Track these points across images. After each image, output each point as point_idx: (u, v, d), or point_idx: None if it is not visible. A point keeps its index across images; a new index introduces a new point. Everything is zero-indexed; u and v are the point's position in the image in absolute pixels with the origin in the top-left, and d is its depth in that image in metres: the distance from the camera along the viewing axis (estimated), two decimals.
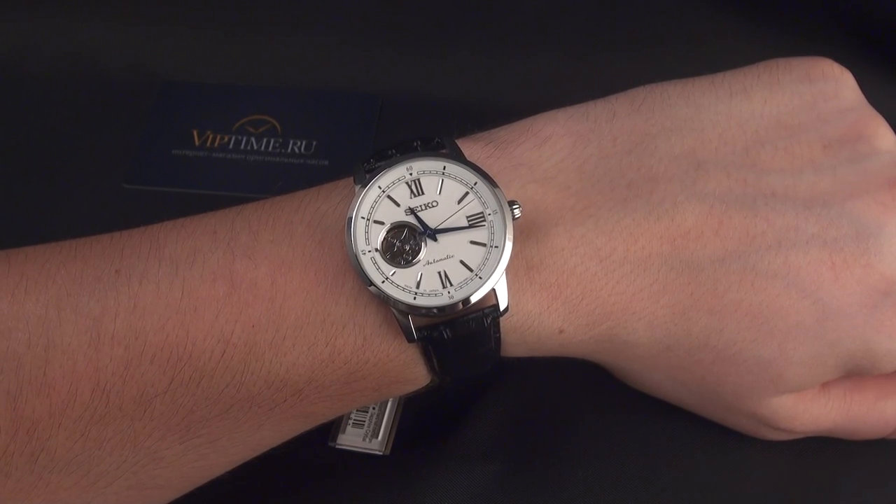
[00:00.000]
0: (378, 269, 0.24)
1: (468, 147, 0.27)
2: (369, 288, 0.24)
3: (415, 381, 0.27)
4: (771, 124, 0.28)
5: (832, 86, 0.29)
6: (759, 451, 0.32)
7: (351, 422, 0.33)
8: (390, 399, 0.33)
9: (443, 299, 0.24)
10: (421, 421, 0.33)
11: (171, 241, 0.25)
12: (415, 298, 0.24)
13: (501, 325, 0.25)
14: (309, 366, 0.25)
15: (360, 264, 0.24)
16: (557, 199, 0.26)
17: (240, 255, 0.25)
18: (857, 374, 0.28)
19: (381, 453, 0.32)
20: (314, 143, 0.43)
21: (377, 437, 0.32)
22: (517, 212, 0.25)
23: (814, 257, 0.26)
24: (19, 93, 0.44)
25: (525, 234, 0.26)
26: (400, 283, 0.24)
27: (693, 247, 0.26)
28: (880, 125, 0.29)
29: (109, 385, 0.24)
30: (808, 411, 0.29)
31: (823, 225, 0.26)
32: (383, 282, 0.24)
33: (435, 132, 0.27)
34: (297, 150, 0.42)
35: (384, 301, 0.24)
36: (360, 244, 0.24)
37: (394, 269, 0.24)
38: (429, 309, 0.24)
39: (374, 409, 0.33)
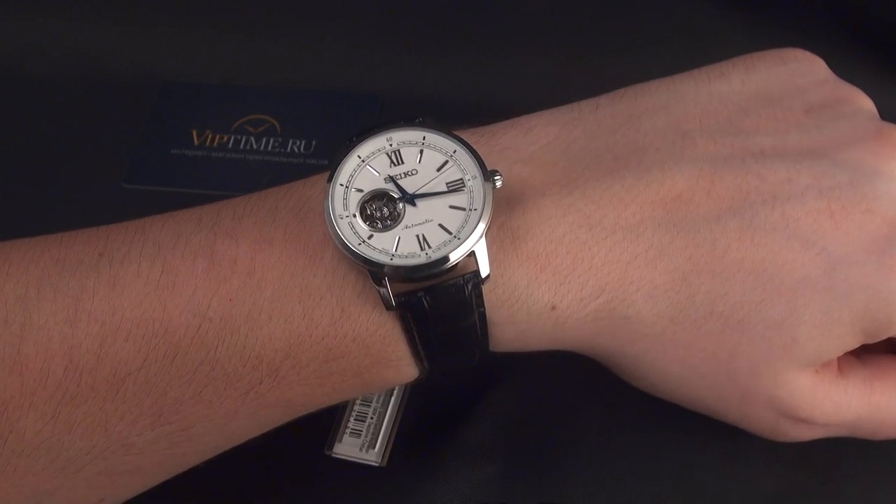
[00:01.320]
0: (355, 232, 0.24)
1: None
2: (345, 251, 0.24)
3: (398, 366, 0.26)
4: (751, 97, 0.28)
5: (806, 65, 0.30)
6: (762, 452, 0.31)
7: (348, 430, 0.32)
8: (389, 407, 0.33)
9: (420, 259, 0.24)
10: (419, 431, 0.33)
11: (156, 228, 0.26)
12: (391, 259, 0.24)
13: (487, 300, 0.25)
14: (285, 339, 0.24)
15: (336, 228, 0.24)
16: (544, 176, 0.26)
17: (222, 235, 0.25)
18: (876, 335, 0.27)
19: (377, 464, 0.32)
20: (314, 142, 0.42)
21: (374, 448, 0.32)
22: (499, 182, 0.25)
23: (811, 207, 0.26)
24: (19, 93, 0.44)
25: (511, 206, 0.26)
26: (377, 245, 0.24)
27: (686, 209, 0.26)
28: (858, 92, 0.29)
29: (83, 362, 0.23)
30: (829, 396, 0.27)
31: (817, 175, 0.26)
32: (360, 244, 0.24)
33: (421, 114, 0.27)
34: (296, 149, 0.42)
35: (361, 265, 0.24)
36: (338, 209, 0.24)
37: (371, 233, 0.24)
38: (405, 269, 0.24)
39: (371, 418, 0.32)
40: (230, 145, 0.42)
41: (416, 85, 0.44)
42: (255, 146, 0.42)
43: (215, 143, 0.42)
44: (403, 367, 0.26)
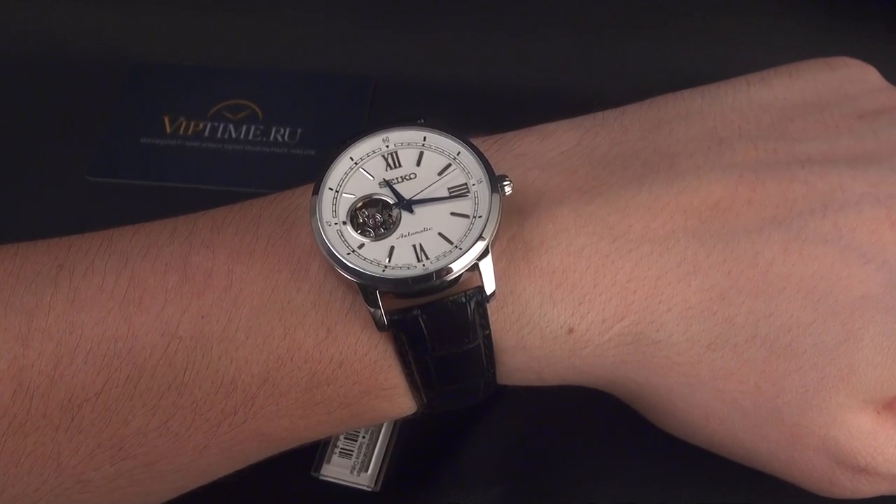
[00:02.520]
0: (344, 241, 0.23)
1: None
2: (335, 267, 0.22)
3: (391, 397, 0.24)
4: (797, 104, 0.27)
5: (856, 72, 0.28)
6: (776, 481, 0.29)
7: (338, 450, 0.31)
8: (383, 428, 0.31)
9: (416, 271, 0.22)
10: (416, 453, 0.31)
11: (125, 238, 0.24)
12: (384, 271, 0.22)
13: (493, 321, 0.23)
14: (264, 363, 0.23)
15: (323, 236, 0.23)
16: (563, 182, 0.25)
17: (198, 246, 0.24)
18: None
19: (370, 489, 0.30)
20: (299, 130, 0.41)
21: (367, 471, 0.30)
22: (508, 188, 0.23)
23: (868, 216, 0.24)
24: None
25: (524, 215, 0.24)
26: (368, 256, 0.23)
27: (724, 219, 0.24)
28: None
29: (34, 386, 0.22)
30: (892, 441, 0.25)
31: (873, 182, 0.24)
32: (349, 254, 0.23)
33: (423, 114, 0.26)
34: (280, 138, 0.41)
35: (350, 277, 0.22)
36: (326, 215, 0.23)
37: (362, 242, 0.23)
38: (399, 281, 0.22)
39: (363, 437, 0.31)
40: (206, 133, 0.41)
41: (413, 67, 0.42)
42: (234, 134, 0.41)
43: (190, 132, 0.41)
44: (398, 397, 0.24)
